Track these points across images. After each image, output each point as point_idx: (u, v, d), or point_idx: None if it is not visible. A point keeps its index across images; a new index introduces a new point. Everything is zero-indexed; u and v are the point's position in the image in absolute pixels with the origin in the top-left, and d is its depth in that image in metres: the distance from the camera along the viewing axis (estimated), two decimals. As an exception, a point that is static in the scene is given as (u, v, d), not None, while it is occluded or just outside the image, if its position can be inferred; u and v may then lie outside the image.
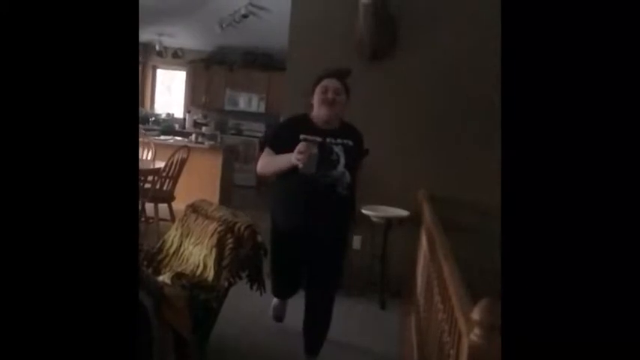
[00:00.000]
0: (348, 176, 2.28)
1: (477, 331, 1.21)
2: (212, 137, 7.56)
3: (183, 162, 5.04)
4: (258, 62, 8.56)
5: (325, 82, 2.32)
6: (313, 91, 2.34)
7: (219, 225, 2.48)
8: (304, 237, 2.35)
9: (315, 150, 2.08)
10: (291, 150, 2.15)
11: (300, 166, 2.07)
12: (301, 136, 2.23)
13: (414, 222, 3.47)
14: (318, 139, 2.24)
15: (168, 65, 9.23)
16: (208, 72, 8.78)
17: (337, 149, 2.27)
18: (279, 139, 2.36)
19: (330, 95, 2.28)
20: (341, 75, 2.36)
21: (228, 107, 8.87)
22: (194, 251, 2.55)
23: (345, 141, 2.30)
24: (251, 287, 2.49)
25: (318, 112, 2.31)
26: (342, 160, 2.26)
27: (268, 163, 2.35)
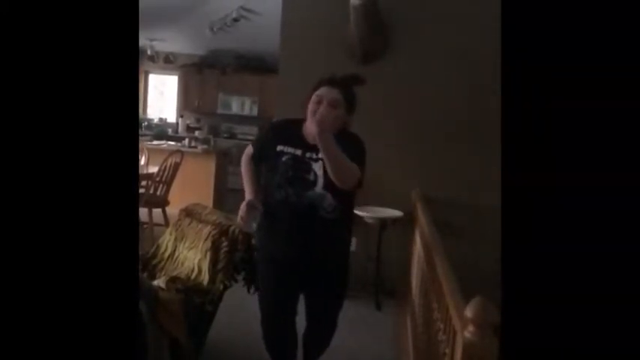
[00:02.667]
0: (329, 198, 1.93)
1: (470, 328, 1.22)
2: (205, 141, 7.57)
3: (176, 166, 5.04)
4: (250, 65, 8.57)
5: (321, 91, 1.95)
6: (310, 96, 1.98)
7: (214, 228, 2.48)
8: (290, 267, 2.06)
9: (258, 208, 1.95)
10: (266, 160, 2.04)
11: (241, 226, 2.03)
12: (277, 148, 1.98)
13: (408, 222, 3.48)
14: (298, 152, 1.97)
15: (161, 70, 9.21)
16: (200, 76, 8.78)
17: (316, 167, 1.93)
18: (258, 146, 2.15)
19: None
20: (344, 83, 1.99)
21: (220, 111, 8.87)
22: (189, 255, 2.56)
23: None
24: (248, 290, 2.49)
25: (309, 124, 1.94)
26: (321, 181, 1.92)
27: (243, 174, 2.17)
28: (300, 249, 2.01)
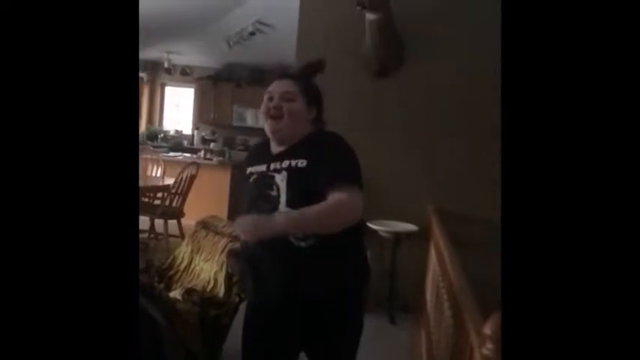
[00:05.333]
0: None
1: (488, 345, 1.21)
2: (220, 153, 7.63)
3: (192, 178, 5.07)
4: (265, 79, 8.61)
5: (272, 86, 1.63)
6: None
7: (230, 241, 2.50)
8: (276, 317, 1.60)
9: (238, 264, 1.66)
10: (246, 185, 1.66)
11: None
12: (248, 170, 1.65)
13: (422, 237, 3.47)
14: (263, 167, 1.60)
15: (177, 82, 9.33)
16: (216, 89, 8.87)
17: (279, 179, 1.53)
18: (241, 172, 1.74)
19: (273, 103, 1.60)
20: (298, 74, 1.69)
21: (235, 123, 8.95)
22: (205, 267, 2.58)
23: (294, 162, 1.53)
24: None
25: (266, 127, 1.62)
26: (284, 196, 1.51)
27: None
28: (279, 290, 1.55)
